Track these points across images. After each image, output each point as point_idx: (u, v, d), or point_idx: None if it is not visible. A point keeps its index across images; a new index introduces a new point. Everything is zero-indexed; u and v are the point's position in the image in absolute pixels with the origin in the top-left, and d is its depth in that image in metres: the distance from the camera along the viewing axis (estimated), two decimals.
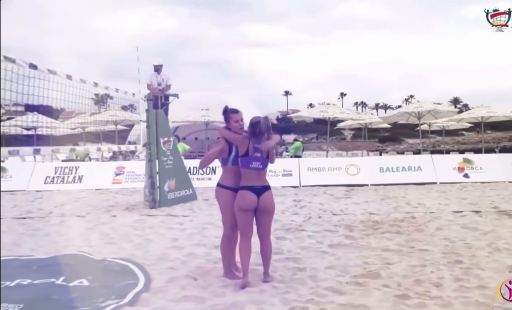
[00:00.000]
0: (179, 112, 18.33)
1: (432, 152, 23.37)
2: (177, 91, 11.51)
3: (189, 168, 12.88)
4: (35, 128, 20.93)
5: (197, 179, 13.03)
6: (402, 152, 33.89)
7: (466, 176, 13.26)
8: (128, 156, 21.37)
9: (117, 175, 13.89)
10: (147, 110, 9.91)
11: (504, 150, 29.53)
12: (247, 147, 4.33)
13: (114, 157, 21.60)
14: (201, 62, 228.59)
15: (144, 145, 10.61)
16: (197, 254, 5.58)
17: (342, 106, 33.19)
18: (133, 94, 10.58)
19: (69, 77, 7.48)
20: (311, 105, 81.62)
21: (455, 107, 53.04)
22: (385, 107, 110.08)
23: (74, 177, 13.87)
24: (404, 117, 21.73)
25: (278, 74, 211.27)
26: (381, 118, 26.60)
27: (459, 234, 6.49)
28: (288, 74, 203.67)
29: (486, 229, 6.71)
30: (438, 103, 27.28)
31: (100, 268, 5.00)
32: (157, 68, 11.28)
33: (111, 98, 12.55)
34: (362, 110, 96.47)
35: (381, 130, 54.86)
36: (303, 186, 12.97)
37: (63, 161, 19.24)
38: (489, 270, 4.71)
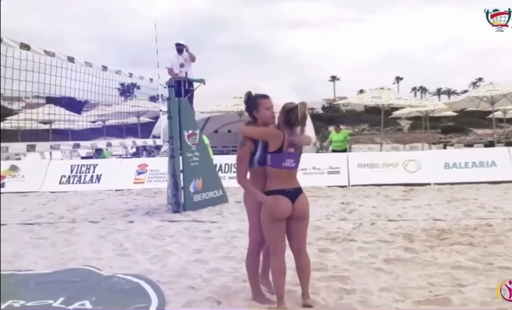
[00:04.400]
0: (209, 102, 18.16)
1: (507, 144, 22.23)
2: (208, 77, 11.31)
3: (219, 165, 12.64)
4: (50, 122, 21.23)
5: (229, 177, 12.72)
6: (470, 145, 32.69)
7: None
8: (153, 151, 21.42)
9: (139, 173, 13.88)
10: (168, 99, 9.68)
11: None
12: (281, 142, 3.91)
13: (137, 153, 21.74)
14: (235, 46, 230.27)
15: (166, 140, 10.40)
16: (223, 269, 5.27)
17: (398, 92, 32.12)
18: (151, 79, 10.34)
19: (88, 64, 7.41)
20: (361, 91, 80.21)
21: None
22: (449, 92, 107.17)
23: (92, 176, 13.96)
24: (474, 103, 20.73)
25: (323, 57, 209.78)
26: (445, 105, 25.51)
27: None
28: (334, 57, 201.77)
29: None
30: None
31: (107, 287, 4.76)
32: (180, 49, 11.08)
33: (138, 88, 12.48)
34: (421, 97, 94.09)
35: (444, 120, 53.24)
36: (352, 185, 12.61)
37: (82, 158, 19.52)
38: None
